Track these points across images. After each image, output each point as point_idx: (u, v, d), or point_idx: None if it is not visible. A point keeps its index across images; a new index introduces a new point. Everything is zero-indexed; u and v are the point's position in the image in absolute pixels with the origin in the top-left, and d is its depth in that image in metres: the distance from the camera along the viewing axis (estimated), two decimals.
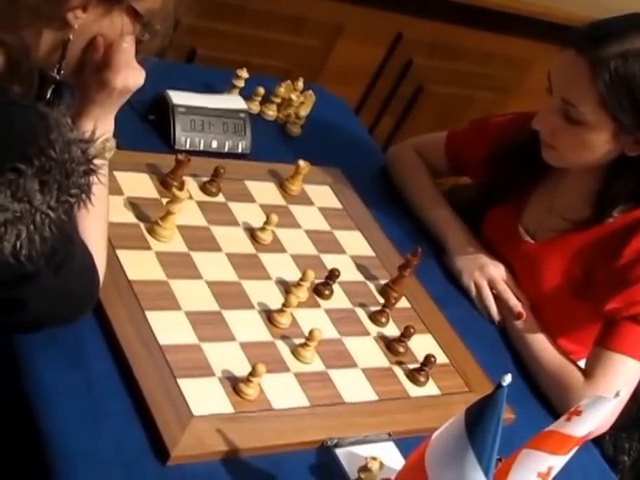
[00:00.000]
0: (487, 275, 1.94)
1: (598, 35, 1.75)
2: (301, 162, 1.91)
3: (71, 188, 1.23)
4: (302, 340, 1.60)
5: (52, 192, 1.21)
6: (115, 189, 1.67)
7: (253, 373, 1.47)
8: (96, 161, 1.30)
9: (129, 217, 1.66)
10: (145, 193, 1.73)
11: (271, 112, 2.13)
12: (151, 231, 1.65)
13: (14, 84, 1.33)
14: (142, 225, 1.66)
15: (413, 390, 1.66)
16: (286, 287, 1.69)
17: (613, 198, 1.84)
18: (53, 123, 1.23)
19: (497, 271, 1.95)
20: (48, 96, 1.39)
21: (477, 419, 1.21)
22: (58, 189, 1.21)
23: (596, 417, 1.27)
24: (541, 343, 1.87)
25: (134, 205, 1.69)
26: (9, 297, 1.26)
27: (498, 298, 1.93)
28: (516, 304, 1.91)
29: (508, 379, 1.20)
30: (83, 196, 1.25)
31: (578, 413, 1.27)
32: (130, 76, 1.42)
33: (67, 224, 1.25)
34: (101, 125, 1.42)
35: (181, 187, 1.66)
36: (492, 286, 1.94)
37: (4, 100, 1.26)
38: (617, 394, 1.28)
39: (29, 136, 1.21)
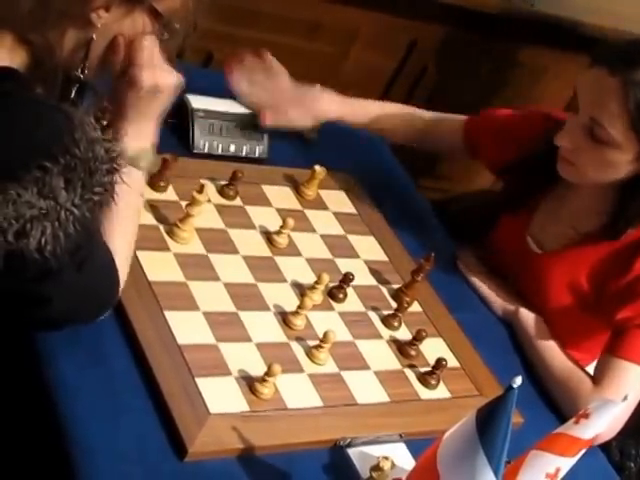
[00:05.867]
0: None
1: (632, 56, 1.75)
2: (317, 167, 1.94)
3: (94, 186, 1.26)
4: (316, 342, 1.63)
5: (76, 190, 1.24)
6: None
7: (269, 373, 1.50)
8: (130, 169, 1.35)
9: (149, 219, 1.69)
10: (164, 196, 1.76)
11: None
12: (170, 233, 1.68)
13: (38, 83, 1.35)
14: (161, 227, 1.70)
15: (424, 393, 1.69)
16: (301, 290, 1.72)
17: (628, 220, 1.85)
18: (77, 122, 1.26)
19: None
20: (72, 95, 1.41)
21: (488, 420, 1.24)
22: (82, 187, 1.24)
23: (603, 420, 1.29)
24: (551, 349, 1.89)
25: (153, 207, 1.72)
26: (33, 293, 1.29)
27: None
28: None
29: (519, 381, 1.22)
30: (107, 195, 1.28)
31: (586, 416, 1.30)
32: (158, 74, 1.44)
33: (90, 222, 1.28)
34: (137, 132, 1.45)
35: (200, 190, 1.69)
36: None
37: (30, 99, 1.29)
38: (625, 397, 1.30)
39: (55, 134, 1.24)
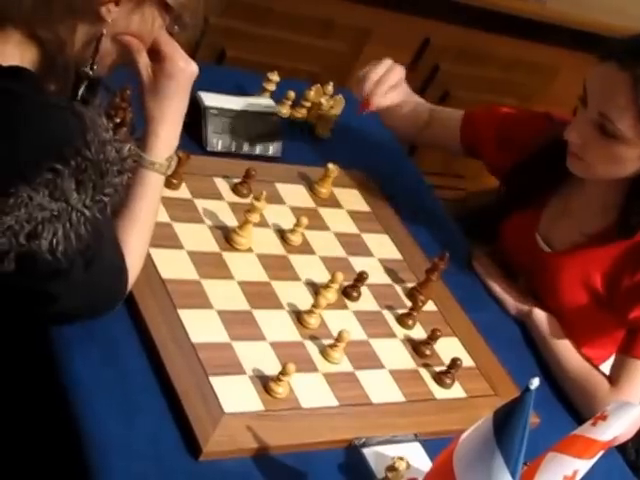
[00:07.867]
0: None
1: None
2: (330, 165, 1.94)
3: (105, 187, 1.26)
4: (331, 341, 1.62)
5: (87, 191, 1.24)
6: None
7: (283, 372, 1.49)
8: (152, 173, 1.39)
9: (163, 216, 1.68)
10: (177, 193, 1.75)
11: (301, 115, 2.15)
12: (229, 239, 1.71)
13: (50, 80, 1.35)
14: (174, 225, 1.69)
15: (439, 392, 1.68)
16: (315, 288, 1.72)
17: (638, 217, 1.83)
18: (89, 123, 1.26)
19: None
20: (81, 92, 1.40)
21: (505, 422, 1.22)
22: (93, 188, 1.25)
23: (621, 422, 1.28)
24: (566, 350, 1.88)
25: (167, 205, 1.70)
26: (42, 290, 1.30)
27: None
28: None
29: (536, 383, 1.21)
30: (116, 195, 1.28)
31: (604, 418, 1.29)
32: (190, 60, 1.46)
33: (101, 222, 1.28)
34: (168, 137, 1.48)
35: (259, 198, 1.70)
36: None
37: (41, 100, 1.28)
38: None
39: (66, 137, 1.24)
